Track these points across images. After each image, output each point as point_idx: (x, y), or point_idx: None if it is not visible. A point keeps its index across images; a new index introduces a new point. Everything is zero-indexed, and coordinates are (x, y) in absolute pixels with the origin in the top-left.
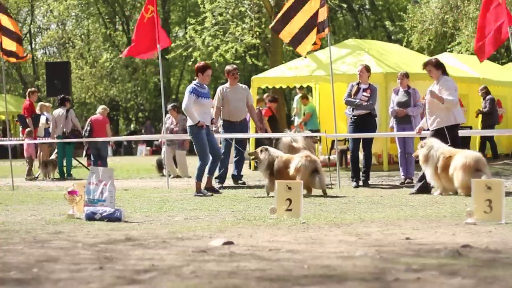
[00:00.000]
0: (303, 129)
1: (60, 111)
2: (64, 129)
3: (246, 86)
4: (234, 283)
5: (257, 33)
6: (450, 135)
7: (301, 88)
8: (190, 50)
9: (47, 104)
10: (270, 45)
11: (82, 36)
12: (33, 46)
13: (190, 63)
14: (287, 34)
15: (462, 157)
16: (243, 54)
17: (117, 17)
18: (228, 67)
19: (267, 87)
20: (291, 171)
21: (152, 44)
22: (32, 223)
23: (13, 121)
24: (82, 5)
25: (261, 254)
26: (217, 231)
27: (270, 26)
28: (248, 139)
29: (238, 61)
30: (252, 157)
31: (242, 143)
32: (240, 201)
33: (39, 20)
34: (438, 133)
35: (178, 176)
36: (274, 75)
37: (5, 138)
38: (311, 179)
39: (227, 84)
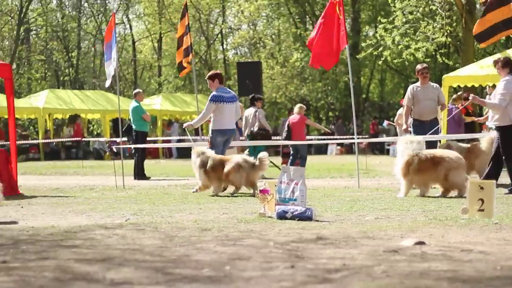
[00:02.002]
0: (486, 129)
1: (251, 110)
2: (252, 128)
3: (437, 85)
4: (425, 284)
5: (448, 31)
6: (506, 135)
7: (493, 86)
8: (380, 49)
9: (240, 104)
10: (461, 43)
11: (273, 36)
12: (224, 46)
13: (380, 62)
14: (476, 27)
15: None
16: (433, 53)
17: (307, 16)
18: (418, 66)
19: (458, 86)
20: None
21: (332, 48)
22: (224, 222)
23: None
24: (273, 5)
25: (453, 255)
26: (408, 231)
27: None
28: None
29: (428, 60)
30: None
31: (434, 143)
32: (431, 201)
33: (230, 20)
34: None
35: None
36: (465, 74)
37: (197, 137)
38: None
39: (417, 83)
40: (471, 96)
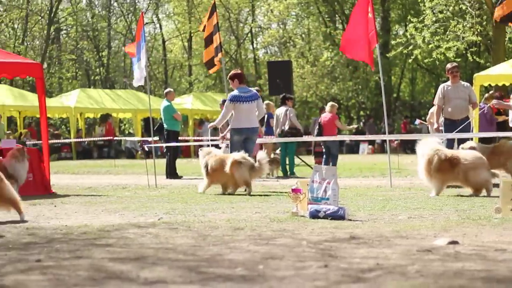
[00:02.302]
0: None
1: (282, 109)
2: (283, 127)
3: (468, 84)
4: (459, 284)
5: (479, 30)
6: None
7: None
8: (410, 48)
9: (271, 103)
10: (492, 42)
11: (303, 35)
12: (254, 45)
13: (410, 61)
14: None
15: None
16: (464, 52)
17: (336, 15)
18: (448, 65)
19: (489, 84)
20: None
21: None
22: (257, 221)
23: None
24: (302, 4)
25: (487, 254)
26: (441, 230)
27: (494, 17)
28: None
29: (459, 59)
30: None
31: (465, 141)
32: (464, 200)
33: (260, 19)
34: None
35: None
36: (496, 73)
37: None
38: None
39: (448, 82)
40: (494, 101)
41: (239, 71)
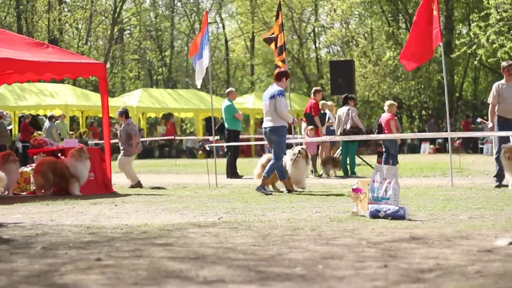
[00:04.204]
0: None
1: (344, 109)
2: (345, 127)
3: None
4: None
5: None
6: None
7: None
8: (474, 47)
9: (329, 102)
10: None
11: (365, 35)
12: (316, 45)
13: (475, 62)
14: None
15: None
16: None
17: (400, 15)
18: (503, 63)
19: None
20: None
21: (428, 47)
22: (317, 220)
23: (298, 119)
24: (365, 3)
25: None
26: (502, 231)
27: None
28: None
29: None
30: None
31: None
32: None
33: (323, 19)
34: None
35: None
36: None
37: (290, 136)
38: None
39: (502, 81)
40: None
41: (276, 71)
